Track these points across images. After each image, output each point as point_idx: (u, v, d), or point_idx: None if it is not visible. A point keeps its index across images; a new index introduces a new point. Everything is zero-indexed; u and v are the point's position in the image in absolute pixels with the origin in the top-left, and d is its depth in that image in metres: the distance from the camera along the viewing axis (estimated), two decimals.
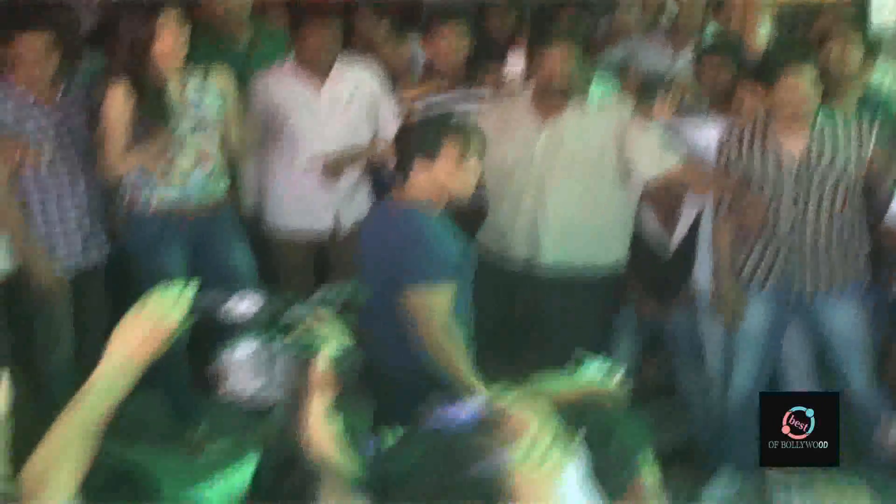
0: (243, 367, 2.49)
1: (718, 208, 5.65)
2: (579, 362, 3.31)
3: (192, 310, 2.80)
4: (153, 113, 5.58)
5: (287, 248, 6.47)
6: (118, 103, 5.54)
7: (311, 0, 6.49)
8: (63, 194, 5.74)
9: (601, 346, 5.51)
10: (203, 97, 5.75)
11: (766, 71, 5.34)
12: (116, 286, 6.14)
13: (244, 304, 2.58)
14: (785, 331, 5.67)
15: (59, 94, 5.76)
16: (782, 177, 5.38)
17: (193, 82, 5.74)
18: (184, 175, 5.72)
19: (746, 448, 5.67)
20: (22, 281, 5.72)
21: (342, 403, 2.66)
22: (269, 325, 2.57)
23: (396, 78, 6.58)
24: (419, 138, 4.71)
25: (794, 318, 5.65)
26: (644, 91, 5.98)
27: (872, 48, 5.94)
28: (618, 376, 3.17)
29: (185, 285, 5.65)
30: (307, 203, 6.36)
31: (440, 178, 4.65)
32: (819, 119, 5.36)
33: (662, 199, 5.97)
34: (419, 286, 4.51)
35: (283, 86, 6.27)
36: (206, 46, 6.02)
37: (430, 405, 2.73)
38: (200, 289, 5.60)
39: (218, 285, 5.76)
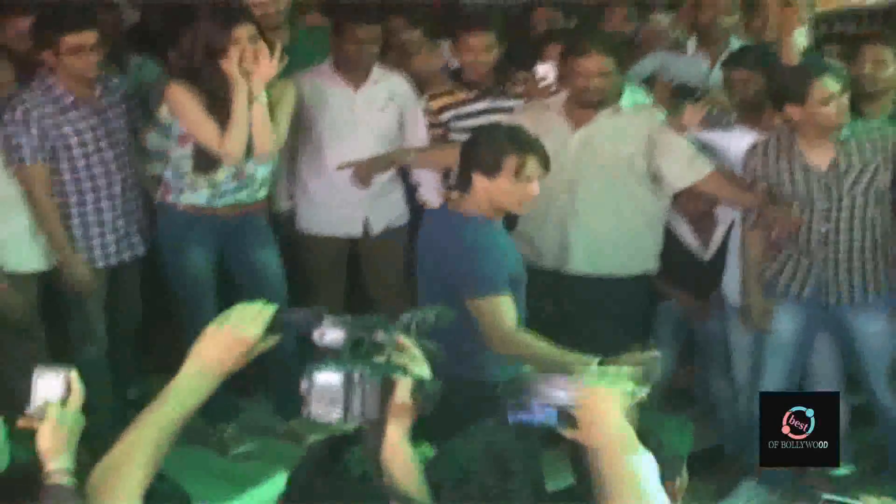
0: (326, 395, 2.53)
1: (747, 219, 5.67)
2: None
3: (281, 326, 2.85)
4: (214, 116, 5.63)
5: (318, 252, 6.50)
6: (185, 98, 5.60)
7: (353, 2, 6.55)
8: (99, 195, 5.80)
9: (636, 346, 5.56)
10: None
11: (794, 87, 5.31)
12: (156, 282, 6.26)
13: (334, 333, 2.62)
14: (813, 341, 5.67)
15: (99, 95, 5.82)
16: (811, 189, 5.38)
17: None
18: (214, 185, 5.82)
19: None
20: (58, 278, 5.81)
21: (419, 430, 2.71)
22: (353, 351, 2.61)
23: (426, 85, 6.59)
24: (481, 152, 4.72)
25: (823, 328, 5.65)
26: (676, 101, 5.98)
27: None
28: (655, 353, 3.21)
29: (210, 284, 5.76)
30: (338, 207, 6.39)
31: (498, 194, 4.68)
32: (845, 131, 5.34)
33: (694, 208, 6.00)
34: (484, 296, 4.52)
35: (320, 87, 6.29)
36: None
37: (508, 408, 2.79)
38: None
39: (245, 287, 5.91)
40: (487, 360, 4.60)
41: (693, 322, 6.23)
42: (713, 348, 6.15)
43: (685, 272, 6.09)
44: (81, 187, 5.76)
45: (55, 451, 2.79)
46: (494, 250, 4.64)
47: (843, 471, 5.69)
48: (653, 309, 6.27)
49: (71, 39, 5.58)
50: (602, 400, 2.71)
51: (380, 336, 2.67)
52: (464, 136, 6.00)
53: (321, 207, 6.40)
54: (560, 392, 2.75)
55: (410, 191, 6.59)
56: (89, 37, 5.63)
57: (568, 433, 2.72)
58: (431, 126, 6.41)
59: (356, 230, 6.47)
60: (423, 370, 2.70)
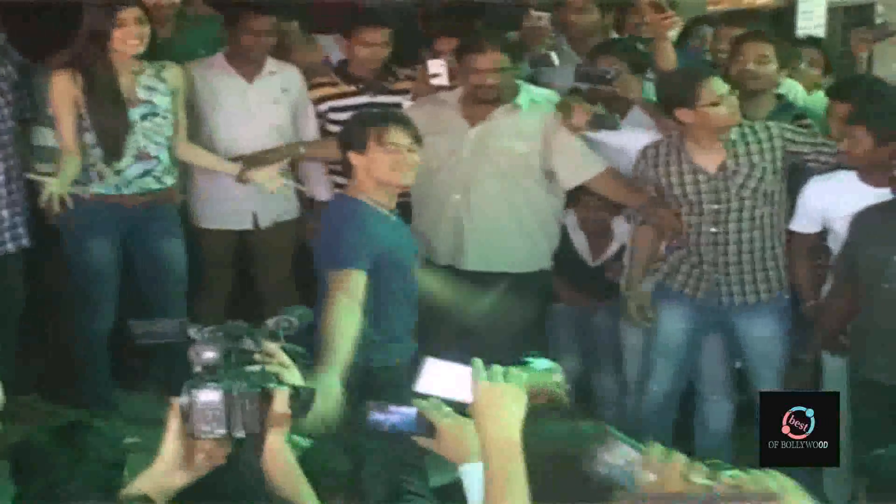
0: (207, 413, 2.57)
1: (636, 217, 5.73)
2: (524, 360, 3.37)
3: (147, 336, 2.91)
4: (104, 101, 5.71)
5: (207, 245, 6.46)
6: (64, 88, 5.67)
7: None
8: None
9: (531, 345, 5.59)
10: (153, 94, 5.82)
11: (683, 90, 5.37)
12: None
13: (209, 352, 2.65)
14: (702, 341, 5.74)
15: None
16: (700, 191, 5.45)
17: (146, 78, 5.81)
18: (119, 173, 5.80)
19: None
20: None
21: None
22: (228, 367, 2.66)
23: (305, 79, 6.55)
24: (350, 132, 4.95)
25: (713, 330, 5.72)
26: (585, 82, 5.98)
27: (784, 57, 5.96)
28: (559, 375, 3.24)
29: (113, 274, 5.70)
30: (228, 200, 6.34)
31: (372, 168, 4.84)
32: (733, 133, 5.42)
33: (592, 216, 6.06)
34: (334, 268, 4.70)
35: (212, 78, 6.26)
36: None
37: (367, 409, 2.83)
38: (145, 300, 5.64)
39: (146, 277, 5.87)
40: (371, 346, 4.69)
41: (585, 322, 6.27)
42: (604, 346, 6.20)
43: (574, 273, 6.14)
44: None
45: None
46: (354, 227, 4.80)
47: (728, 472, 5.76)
48: (548, 310, 6.30)
49: None
50: (499, 397, 2.72)
51: (247, 343, 2.72)
52: (340, 128, 6.06)
53: (211, 200, 6.36)
54: (455, 383, 2.78)
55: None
56: None
57: (422, 442, 2.74)
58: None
59: (245, 223, 6.43)
60: (295, 377, 2.76)
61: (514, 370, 2.80)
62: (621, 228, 6.04)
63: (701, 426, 5.88)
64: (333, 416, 4.03)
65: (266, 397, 2.64)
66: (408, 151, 4.90)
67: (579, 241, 6.15)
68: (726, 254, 5.48)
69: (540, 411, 3.02)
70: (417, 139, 4.96)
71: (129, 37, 5.64)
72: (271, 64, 6.35)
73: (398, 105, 6.15)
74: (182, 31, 6.54)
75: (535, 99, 5.91)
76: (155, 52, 5.86)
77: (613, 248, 6.14)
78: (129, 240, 6.00)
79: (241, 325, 2.75)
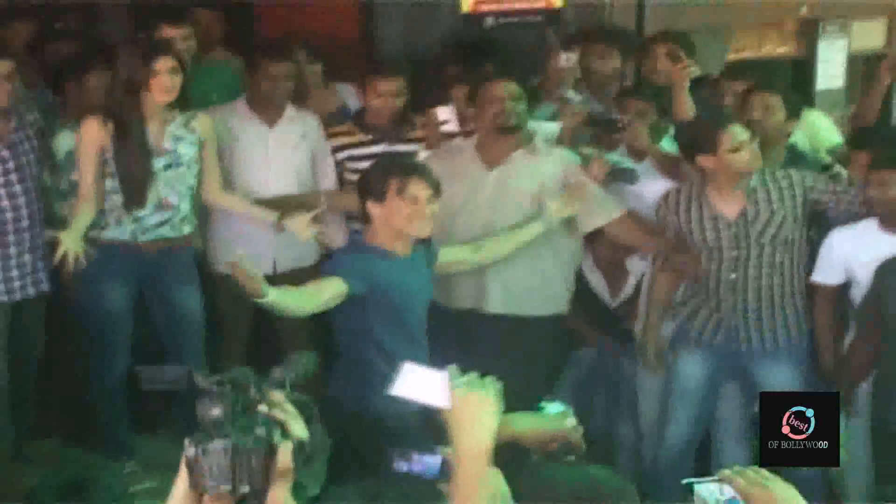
0: (214, 468, 2.59)
1: (655, 261, 5.75)
2: (538, 406, 3.37)
3: (153, 382, 2.88)
4: (131, 150, 5.71)
5: (227, 289, 6.41)
6: (93, 134, 5.69)
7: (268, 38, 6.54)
8: (6, 229, 5.73)
9: (549, 389, 5.58)
10: (179, 143, 5.83)
11: (705, 137, 5.39)
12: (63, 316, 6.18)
13: (215, 410, 2.63)
14: (719, 390, 5.72)
15: (12, 129, 5.77)
16: (720, 239, 5.45)
17: (174, 128, 5.82)
18: (137, 220, 5.81)
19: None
20: None
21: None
22: (235, 422, 2.64)
23: (324, 127, 6.57)
24: (369, 181, 4.98)
25: (731, 378, 5.71)
26: (588, 130, 6.00)
27: (792, 106, 5.96)
28: (572, 420, 3.22)
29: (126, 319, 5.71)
30: (248, 246, 6.26)
31: (389, 217, 4.88)
32: (753, 180, 5.43)
33: (607, 257, 6.06)
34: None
35: (233, 123, 6.27)
36: None
37: (392, 457, 2.88)
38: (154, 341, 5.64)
39: (165, 324, 5.89)
40: (372, 394, 4.61)
41: (604, 367, 6.26)
42: (621, 392, 6.18)
43: (596, 316, 6.14)
44: None
45: None
46: (353, 255, 4.96)
47: None
48: (566, 357, 6.30)
49: None
50: (474, 406, 2.79)
51: (254, 393, 2.70)
52: (357, 177, 6.07)
53: (230, 245, 6.31)
54: (431, 388, 2.84)
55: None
56: (4, 66, 5.62)
57: (443, 487, 2.76)
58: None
59: (264, 269, 6.41)
60: (301, 429, 2.73)
61: (489, 379, 2.86)
62: (636, 265, 6.04)
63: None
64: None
65: (271, 451, 2.64)
66: (427, 203, 4.92)
67: (596, 280, 6.15)
68: (746, 300, 5.47)
69: (553, 455, 3.01)
70: (437, 190, 4.98)
71: (164, 86, 5.67)
72: (291, 110, 6.38)
73: (414, 153, 6.17)
74: (197, 75, 6.57)
75: (551, 133, 5.96)
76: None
77: (631, 282, 6.13)
78: (144, 286, 5.98)
79: (247, 372, 2.73)
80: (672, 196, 5.60)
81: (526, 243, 5.60)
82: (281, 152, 6.32)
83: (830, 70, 8.43)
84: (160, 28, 6.41)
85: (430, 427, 3.04)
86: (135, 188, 5.75)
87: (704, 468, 5.81)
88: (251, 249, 6.22)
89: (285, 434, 2.68)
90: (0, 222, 5.72)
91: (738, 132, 5.36)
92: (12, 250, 5.76)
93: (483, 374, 5.35)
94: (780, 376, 5.54)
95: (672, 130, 6.07)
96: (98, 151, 5.73)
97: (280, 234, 6.20)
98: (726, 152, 5.33)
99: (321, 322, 5.88)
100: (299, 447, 2.69)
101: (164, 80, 5.66)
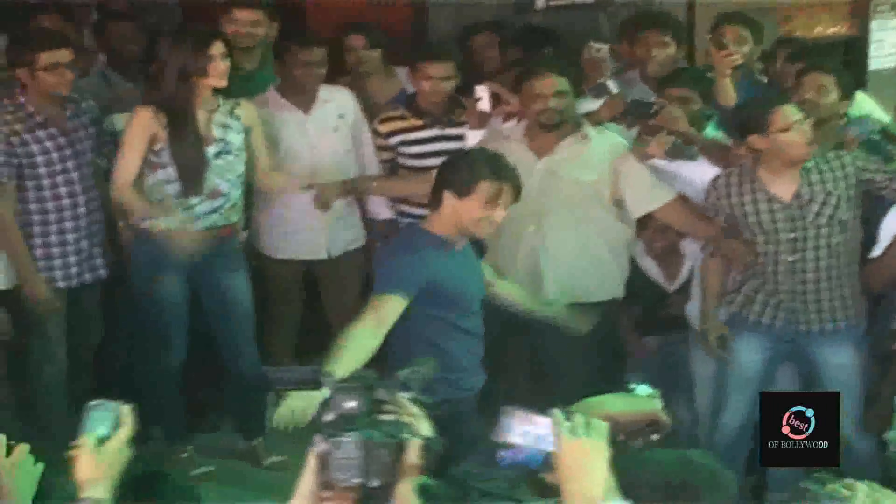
0: (345, 462, 2.65)
1: (706, 246, 5.73)
2: (628, 387, 3.38)
3: (281, 382, 3.08)
4: (186, 139, 5.70)
5: (277, 276, 6.51)
6: (145, 123, 5.65)
7: (300, 27, 6.58)
8: (63, 216, 5.80)
9: (614, 376, 5.59)
10: (227, 131, 5.83)
11: (757, 117, 5.37)
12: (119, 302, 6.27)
13: (350, 402, 2.72)
14: (777, 371, 5.70)
15: (69, 116, 5.84)
16: (776, 221, 5.43)
17: (220, 116, 5.82)
18: (189, 209, 5.78)
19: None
20: (19, 298, 5.80)
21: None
22: (367, 417, 2.72)
23: (378, 110, 6.64)
24: (458, 173, 4.83)
25: (789, 358, 5.68)
26: (630, 118, 6.00)
27: (846, 86, 5.93)
28: (659, 400, 3.24)
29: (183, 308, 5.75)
30: (302, 230, 6.40)
31: (464, 216, 4.78)
32: (808, 161, 5.40)
33: (661, 244, 6.06)
34: (376, 293, 4.70)
35: (269, 113, 6.27)
36: None
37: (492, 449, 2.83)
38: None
39: (214, 313, 5.90)
40: (465, 375, 4.77)
41: (664, 353, 6.26)
42: (677, 377, 6.17)
43: (650, 302, 6.15)
44: (45, 207, 5.77)
45: (91, 482, 2.83)
46: (408, 254, 4.77)
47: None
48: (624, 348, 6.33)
49: (46, 57, 5.64)
50: (584, 454, 2.70)
51: (380, 394, 2.77)
52: (411, 161, 6.27)
53: (284, 230, 6.40)
54: (541, 431, 2.77)
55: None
56: (64, 54, 5.69)
57: (550, 477, 2.73)
58: (380, 148, 6.47)
59: (317, 253, 6.47)
60: (426, 427, 2.81)
61: (596, 421, 2.76)
62: (692, 248, 6.01)
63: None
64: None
65: (400, 448, 2.70)
66: (503, 209, 4.85)
67: (650, 267, 6.15)
68: (804, 282, 5.44)
69: (650, 442, 3.01)
70: (518, 198, 4.90)
71: (219, 71, 5.66)
72: (324, 92, 6.40)
73: (461, 137, 6.22)
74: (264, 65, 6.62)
75: (602, 132, 5.94)
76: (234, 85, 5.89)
77: (687, 266, 6.10)
78: (194, 276, 5.96)
79: (371, 374, 2.83)
80: (722, 179, 5.56)
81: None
82: (322, 136, 6.36)
83: (883, 50, 8.36)
84: (231, 11, 6.44)
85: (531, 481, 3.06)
86: (192, 177, 5.73)
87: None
88: (303, 236, 6.37)
89: (413, 432, 2.74)
90: (57, 209, 5.79)
91: (790, 112, 5.32)
92: (70, 237, 5.84)
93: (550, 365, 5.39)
94: (840, 358, 5.51)
95: (716, 119, 6.05)
96: (146, 141, 5.67)
97: (331, 220, 6.31)
98: (777, 132, 5.30)
99: None
100: (426, 446, 2.74)
101: (219, 65, 5.65)
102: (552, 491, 2.88)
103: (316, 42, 6.37)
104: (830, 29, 8.52)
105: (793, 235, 5.41)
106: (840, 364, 5.51)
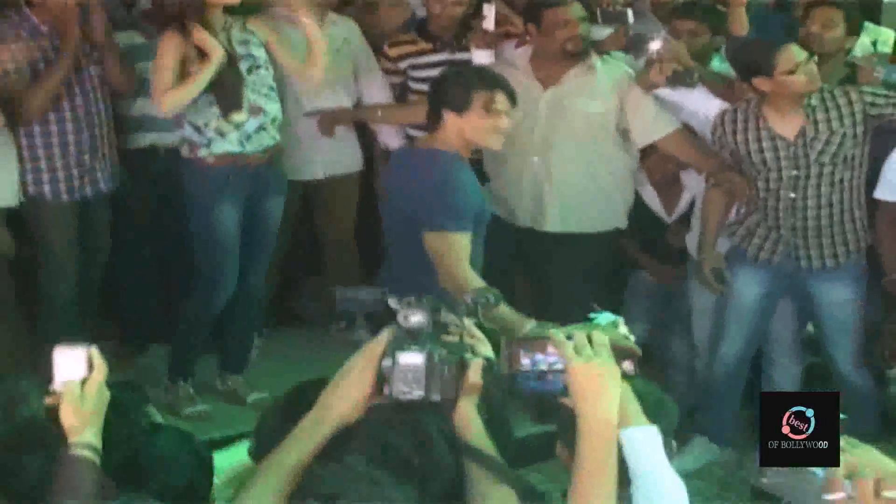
0: (408, 375, 2.68)
1: (708, 179, 5.73)
2: (587, 317, 3.41)
3: (348, 303, 3.09)
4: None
5: None
6: (173, 46, 5.58)
7: None
8: (65, 129, 5.79)
9: (610, 305, 5.61)
10: (248, 46, 5.78)
11: (760, 59, 5.33)
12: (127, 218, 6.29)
13: (417, 316, 2.75)
14: (776, 305, 5.74)
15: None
16: (779, 159, 5.42)
17: (237, 33, 5.76)
18: (239, 127, 5.72)
19: (725, 419, 5.81)
20: (26, 216, 5.86)
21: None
22: (432, 334, 2.77)
23: (389, 34, 6.62)
24: (451, 89, 4.82)
25: (788, 292, 5.71)
26: (635, 48, 5.97)
27: (854, 22, 5.93)
28: (624, 328, 3.26)
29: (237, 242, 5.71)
30: (299, 150, 6.39)
31: (468, 130, 4.76)
32: (813, 99, 5.38)
33: (661, 172, 6.06)
34: (446, 230, 4.60)
35: (280, 28, 6.17)
36: None
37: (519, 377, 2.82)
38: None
39: (253, 235, 5.87)
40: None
41: (661, 286, 6.29)
42: (675, 309, 6.21)
43: (651, 233, 6.17)
44: (47, 118, 5.76)
45: (78, 427, 2.84)
46: (462, 186, 4.74)
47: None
48: (623, 279, 6.34)
49: None
50: (595, 377, 2.70)
51: (445, 317, 2.83)
52: (420, 86, 6.19)
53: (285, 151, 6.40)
54: (553, 358, 2.78)
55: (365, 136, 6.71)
56: None
57: (567, 401, 2.73)
58: (389, 73, 6.47)
59: (315, 174, 6.50)
60: (488, 350, 2.87)
61: (596, 334, 2.77)
62: (692, 180, 6.03)
63: (768, 389, 5.85)
64: None
65: (462, 366, 2.75)
66: (505, 116, 4.84)
67: (650, 196, 6.16)
68: (805, 218, 5.46)
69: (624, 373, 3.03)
70: (515, 103, 4.88)
71: None
72: (332, 15, 6.41)
73: (469, 62, 6.15)
74: None
75: (608, 61, 5.91)
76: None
77: (686, 198, 6.13)
78: (248, 200, 5.89)
79: (435, 299, 2.84)
80: (728, 116, 5.56)
81: None
82: (327, 56, 6.33)
83: None
84: None
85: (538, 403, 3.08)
86: (230, 92, 5.66)
87: (756, 383, 5.89)
88: (302, 155, 6.38)
89: (475, 353, 2.81)
90: (59, 120, 5.77)
91: (794, 52, 5.30)
92: (72, 149, 5.82)
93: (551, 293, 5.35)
94: (839, 294, 5.56)
95: (723, 49, 6.04)
96: (177, 63, 5.59)
97: (330, 140, 6.38)
98: (783, 73, 5.28)
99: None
100: (487, 366, 2.79)
101: None
102: (549, 415, 2.91)
103: None
104: None
105: (795, 173, 5.41)
106: (839, 300, 5.56)
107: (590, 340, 2.74)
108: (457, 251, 4.58)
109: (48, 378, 2.90)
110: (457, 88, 4.80)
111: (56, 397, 2.87)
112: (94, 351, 2.91)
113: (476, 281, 4.51)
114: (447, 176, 4.72)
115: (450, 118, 4.76)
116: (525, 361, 2.77)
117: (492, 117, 4.75)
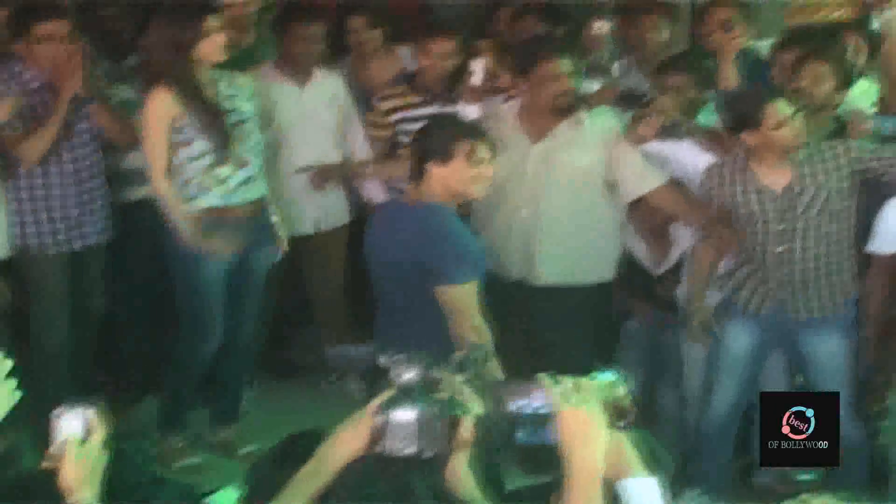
0: (401, 432, 2.73)
1: (697, 232, 5.77)
2: (589, 372, 3.43)
3: (340, 360, 3.07)
4: (206, 110, 5.66)
5: None
6: (164, 107, 5.62)
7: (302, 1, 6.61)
8: (50, 183, 5.85)
9: (603, 358, 5.63)
10: (237, 101, 5.80)
11: (748, 112, 5.39)
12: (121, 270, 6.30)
13: (410, 373, 2.80)
14: (766, 356, 5.75)
15: None
16: (766, 212, 5.46)
17: (224, 87, 5.79)
18: (223, 181, 5.75)
19: (718, 472, 5.81)
20: (19, 266, 5.89)
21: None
22: (419, 391, 2.80)
23: (379, 87, 6.68)
24: (433, 141, 4.87)
25: (778, 344, 5.73)
26: (622, 107, 6.03)
27: (843, 76, 5.96)
28: (623, 388, 3.29)
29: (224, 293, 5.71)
30: (292, 205, 6.46)
31: (452, 180, 4.80)
32: (798, 153, 5.42)
33: (649, 225, 6.09)
34: (458, 283, 4.65)
35: (266, 87, 6.29)
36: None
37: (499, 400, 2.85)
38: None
39: (242, 286, 5.89)
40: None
41: (652, 336, 6.29)
42: (667, 360, 6.23)
43: (640, 285, 6.18)
44: (33, 171, 5.80)
45: (77, 487, 2.85)
46: (463, 235, 4.79)
47: (805, 476, 5.81)
48: (617, 331, 6.36)
49: (41, 28, 5.68)
50: (585, 424, 2.73)
51: (436, 373, 2.85)
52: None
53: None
54: (539, 402, 2.80)
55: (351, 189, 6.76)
56: (60, 26, 5.73)
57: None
58: (380, 126, 6.52)
59: (307, 229, 6.55)
60: (478, 406, 2.87)
61: (584, 381, 2.81)
62: (681, 234, 6.03)
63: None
64: None
65: (453, 423, 2.79)
66: (488, 165, 4.88)
67: (639, 249, 6.18)
68: (793, 271, 5.48)
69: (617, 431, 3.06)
70: (496, 152, 4.94)
71: (212, 46, 5.62)
72: (319, 71, 6.49)
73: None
74: (260, 41, 6.67)
75: (595, 114, 5.95)
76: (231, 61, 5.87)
77: (675, 251, 6.12)
78: (235, 253, 5.89)
79: (425, 354, 2.88)
80: (716, 169, 5.60)
81: None
82: (315, 112, 6.45)
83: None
84: None
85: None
86: (221, 145, 5.67)
87: (746, 433, 5.90)
88: (296, 210, 6.43)
89: (466, 409, 2.83)
90: (44, 174, 5.82)
91: (782, 107, 5.34)
92: (55, 203, 5.86)
93: (543, 347, 5.36)
94: (828, 345, 5.56)
95: (712, 104, 6.08)
96: (169, 124, 5.63)
97: (320, 194, 6.42)
98: (770, 128, 5.33)
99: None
100: (478, 422, 2.83)
101: (215, 39, 5.62)
102: (542, 467, 2.94)
103: (315, 18, 6.43)
104: (835, 13, 8.50)
105: (782, 227, 5.44)
106: (828, 352, 5.56)
107: (577, 387, 2.77)
108: (470, 301, 4.64)
109: (43, 431, 2.92)
110: (438, 139, 4.86)
111: (54, 460, 2.88)
112: (95, 411, 2.94)
113: (485, 329, 4.58)
114: (447, 228, 4.76)
115: (434, 169, 4.80)
116: (511, 406, 2.78)
117: (475, 166, 4.80)
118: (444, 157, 4.78)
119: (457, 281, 4.64)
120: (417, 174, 4.86)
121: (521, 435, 2.82)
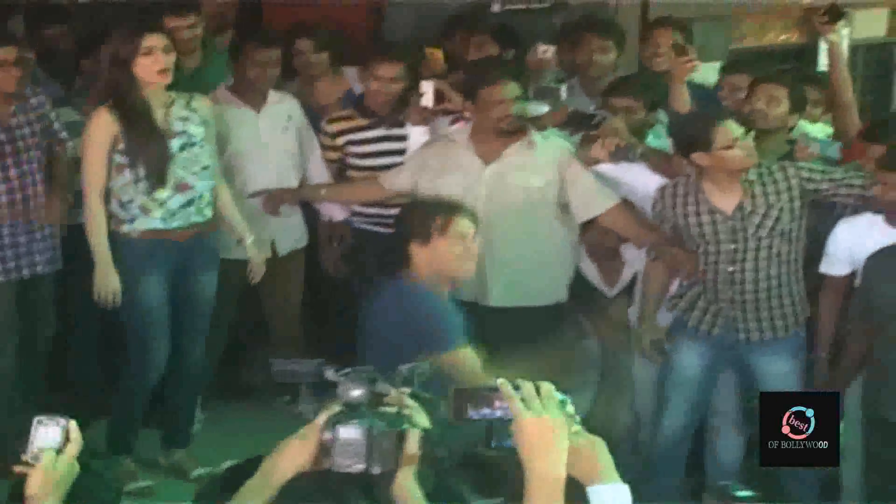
0: (349, 449, 2.73)
1: (649, 252, 5.80)
2: None
3: (285, 375, 3.13)
4: (146, 134, 5.64)
5: (223, 274, 6.29)
6: (104, 127, 5.62)
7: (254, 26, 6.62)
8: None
9: (555, 379, 5.63)
10: (187, 124, 5.78)
11: (698, 134, 5.43)
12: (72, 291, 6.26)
13: (356, 391, 2.80)
14: (717, 377, 5.78)
15: (11, 114, 5.84)
16: (717, 233, 5.50)
17: (177, 109, 5.77)
18: (163, 204, 5.73)
19: (669, 490, 5.82)
20: None
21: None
22: (365, 407, 2.80)
23: (326, 110, 6.70)
24: (411, 223, 4.93)
25: (728, 365, 5.76)
26: (573, 127, 6.07)
27: (797, 100, 6.03)
28: (571, 407, 3.30)
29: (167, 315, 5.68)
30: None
31: (436, 259, 4.86)
32: (751, 173, 5.46)
33: (600, 247, 6.12)
34: (454, 349, 4.73)
35: (223, 110, 6.27)
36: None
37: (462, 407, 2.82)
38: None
39: (184, 309, 5.87)
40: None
41: (606, 356, 6.29)
42: (620, 380, 6.24)
43: (593, 306, 6.20)
44: None
45: (41, 498, 2.84)
46: (446, 310, 4.86)
47: (743, 493, 5.81)
48: (572, 350, 6.35)
49: None
50: (547, 432, 2.69)
51: (381, 387, 2.85)
52: (358, 161, 6.33)
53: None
54: (500, 412, 2.78)
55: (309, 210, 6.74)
56: (8, 52, 5.71)
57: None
58: (328, 148, 6.54)
59: (266, 251, 6.49)
60: (424, 420, 2.89)
61: (544, 386, 2.77)
62: (633, 255, 6.07)
63: (712, 459, 5.93)
64: None
65: (400, 437, 2.78)
66: (471, 241, 4.92)
67: (590, 271, 6.20)
68: (743, 292, 5.52)
69: None
70: (476, 224, 4.97)
71: (156, 65, 5.58)
72: (273, 94, 6.48)
73: (405, 137, 6.29)
74: (207, 63, 6.64)
75: (547, 136, 5.97)
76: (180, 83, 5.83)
77: (628, 272, 6.16)
78: (176, 274, 5.89)
79: (372, 369, 2.89)
80: (668, 190, 5.63)
81: None
82: (272, 135, 6.43)
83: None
84: (164, 19, 6.30)
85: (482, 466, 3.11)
86: (156, 169, 5.66)
87: (698, 453, 5.93)
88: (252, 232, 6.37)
89: (413, 423, 2.82)
90: None
91: (732, 128, 5.38)
92: (4, 230, 5.84)
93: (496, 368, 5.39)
94: (779, 366, 5.59)
95: (660, 126, 6.13)
96: (109, 144, 5.63)
97: (278, 219, 6.42)
98: (720, 149, 5.37)
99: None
100: (424, 436, 2.83)
101: (160, 58, 5.58)
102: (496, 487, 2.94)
103: (273, 42, 6.43)
104: (781, 37, 8.60)
105: (733, 247, 5.48)
106: (778, 373, 5.58)
107: (537, 391, 2.74)
108: (473, 359, 4.77)
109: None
110: (415, 220, 4.91)
111: (27, 466, 2.87)
112: (74, 424, 2.93)
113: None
114: (430, 307, 4.83)
115: (416, 251, 4.85)
116: (474, 415, 2.77)
117: (457, 243, 4.85)
118: (424, 237, 4.83)
119: (454, 348, 4.73)
120: (403, 259, 4.90)
121: (493, 442, 2.82)
